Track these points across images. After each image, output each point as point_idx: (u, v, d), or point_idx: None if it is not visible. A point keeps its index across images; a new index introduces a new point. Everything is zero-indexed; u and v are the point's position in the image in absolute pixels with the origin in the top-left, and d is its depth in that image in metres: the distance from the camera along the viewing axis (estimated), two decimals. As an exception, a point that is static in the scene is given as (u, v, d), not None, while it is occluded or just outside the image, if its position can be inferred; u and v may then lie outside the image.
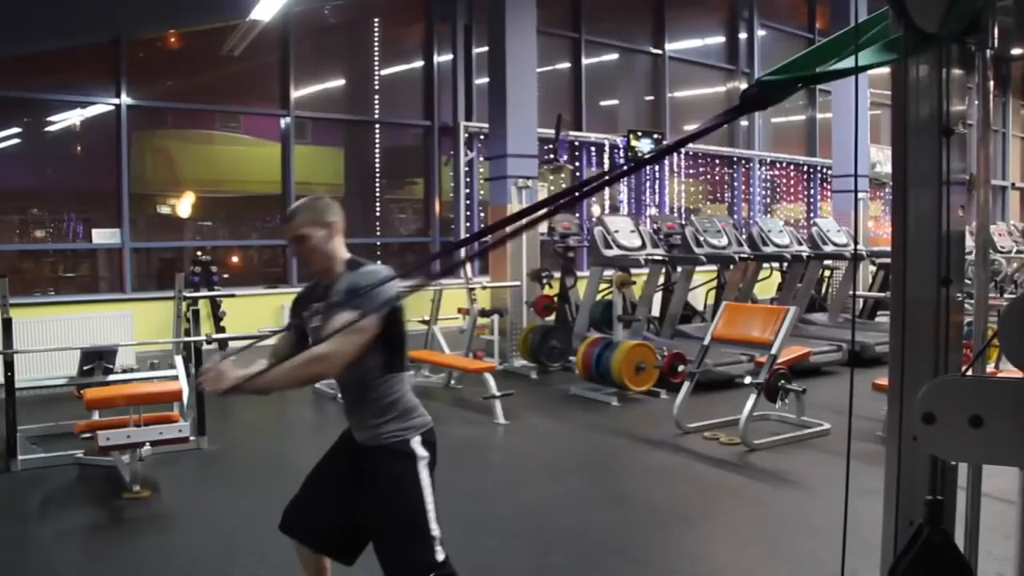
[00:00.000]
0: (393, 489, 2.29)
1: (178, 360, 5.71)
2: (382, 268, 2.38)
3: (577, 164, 10.68)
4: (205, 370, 2.14)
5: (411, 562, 2.25)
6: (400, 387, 2.35)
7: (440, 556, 2.25)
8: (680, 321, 8.74)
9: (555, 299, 8.58)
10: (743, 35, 12.68)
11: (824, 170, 13.16)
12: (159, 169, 8.70)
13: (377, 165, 9.57)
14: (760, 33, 12.78)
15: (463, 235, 9.57)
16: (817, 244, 9.23)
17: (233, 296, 7.47)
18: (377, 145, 9.56)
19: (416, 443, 2.32)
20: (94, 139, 8.17)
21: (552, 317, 8.47)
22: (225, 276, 8.17)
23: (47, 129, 8.05)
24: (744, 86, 12.59)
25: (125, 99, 7.83)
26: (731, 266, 8.78)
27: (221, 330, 7.67)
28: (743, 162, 12.52)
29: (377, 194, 9.59)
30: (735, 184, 12.48)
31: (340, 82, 9.86)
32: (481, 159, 9.57)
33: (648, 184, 11.20)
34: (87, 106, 7.99)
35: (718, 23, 12.70)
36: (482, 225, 9.61)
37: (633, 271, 7.81)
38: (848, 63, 1.40)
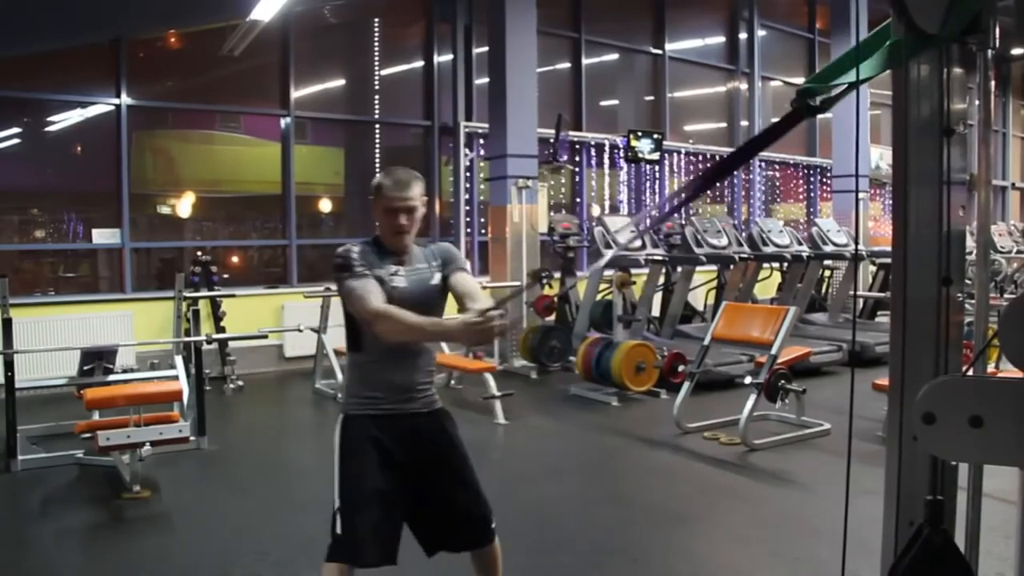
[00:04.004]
0: (462, 448, 2.50)
1: (178, 360, 5.71)
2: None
3: (577, 164, 10.67)
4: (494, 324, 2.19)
5: (482, 520, 2.47)
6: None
7: None
8: (680, 321, 8.74)
9: (555, 299, 8.59)
10: (743, 35, 12.67)
11: (824, 170, 13.16)
12: (159, 169, 8.69)
13: (377, 165, 9.57)
14: (760, 33, 12.77)
15: (463, 235, 9.56)
16: (817, 244, 9.23)
17: (233, 296, 7.46)
18: (377, 145, 9.55)
19: None
20: (94, 139, 8.16)
21: (552, 317, 8.48)
22: (225, 276, 8.16)
23: (47, 129, 8.05)
24: (744, 86, 12.65)
25: (125, 99, 7.82)
26: (731, 266, 8.78)
27: (221, 330, 7.66)
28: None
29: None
30: (735, 184, 12.47)
31: (340, 82, 9.85)
32: (481, 159, 9.57)
33: (648, 184, 11.20)
34: (87, 106, 7.98)
35: (718, 23, 12.69)
36: (481, 225, 9.61)
37: (633, 271, 7.81)
38: (851, 76, 1.42)
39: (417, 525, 2.44)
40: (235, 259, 9.00)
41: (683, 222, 9.13)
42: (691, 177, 11.53)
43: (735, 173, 12.38)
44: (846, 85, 1.53)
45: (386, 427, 2.38)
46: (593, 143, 10.63)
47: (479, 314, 2.14)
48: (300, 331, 6.93)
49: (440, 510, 2.43)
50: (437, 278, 2.47)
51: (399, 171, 2.48)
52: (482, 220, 9.60)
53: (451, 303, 2.48)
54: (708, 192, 12.17)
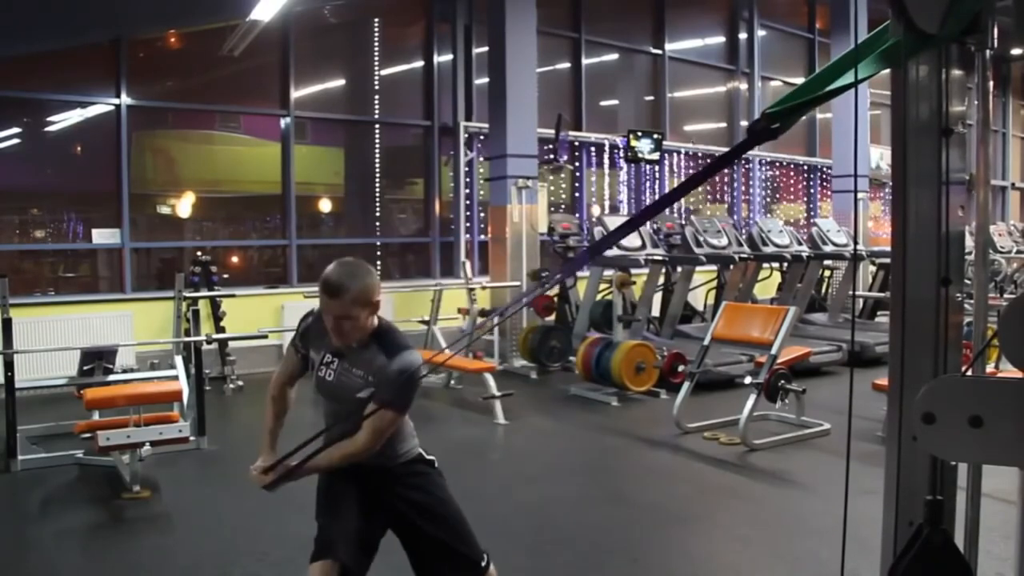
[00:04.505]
0: (438, 495, 2.44)
1: (178, 360, 5.70)
2: (415, 356, 2.33)
3: (577, 164, 10.68)
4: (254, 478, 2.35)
5: (468, 559, 2.41)
6: (407, 421, 2.47)
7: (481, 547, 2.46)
8: (680, 321, 8.74)
9: (555, 299, 8.58)
10: (743, 35, 12.67)
11: (824, 170, 13.16)
12: (159, 169, 8.69)
13: (377, 165, 9.57)
14: (760, 33, 12.78)
15: (463, 235, 9.56)
16: (817, 244, 9.23)
17: (233, 296, 7.46)
18: (377, 145, 9.55)
19: (425, 452, 2.51)
20: (94, 139, 8.16)
21: (552, 317, 8.47)
22: (225, 276, 8.15)
23: (47, 129, 8.04)
24: (744, 86, 12.63)
25: (125, 99, 7.82)
26: (731, 266, 8.78)
27: (221, 330, 7.66)
28: (743, 162, 12.52)
29: (377, 194, 9.59)
30: (735, 184, 12.48)
31: (340, 82, 9.85)
32: (481, 159, 9.57)
33: (648, 184, 11.20)
34: (87, 106, 7.98)
35: (718, 23, 12.70)
36: (481, 225, 9.61)
37: (633, 271, 7.81)
38: (848, 77, 1.41)
39: (413, 564, 2.45)
40: (235, 259, 9.00)
41: (683, 222, 9.14)
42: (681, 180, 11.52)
43: (735, 172, 12.40)
44: (808, 104, 1.51)
45: (355, 474, 2.36)
46: (593, 143, 10.63)
47: (271, 465, 2.32)
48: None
49: (422, 552, 2.42)
50: (364, 394, 2.30)
51: (338, 271, 2.25)
52: (482, 220, 9.60)
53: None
54: (705, 185, 12.18)
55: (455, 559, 2.41)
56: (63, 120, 8.02)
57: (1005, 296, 9.39)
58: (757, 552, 3.64)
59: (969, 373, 1.40)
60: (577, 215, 10.17)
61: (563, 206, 10.43)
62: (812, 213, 13.21)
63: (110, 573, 3.49)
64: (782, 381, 5.39)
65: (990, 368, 4.40)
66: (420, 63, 9.82)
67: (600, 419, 6.18)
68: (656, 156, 10.40)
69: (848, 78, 1.42)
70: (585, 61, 10.78)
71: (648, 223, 9.07)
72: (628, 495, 4.54)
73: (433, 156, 9.78)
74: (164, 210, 8.75)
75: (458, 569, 2.42)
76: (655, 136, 10.37)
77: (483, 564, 2.44)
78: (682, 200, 11.58)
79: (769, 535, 3.84)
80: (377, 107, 9.56)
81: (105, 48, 7.82)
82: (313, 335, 2.43)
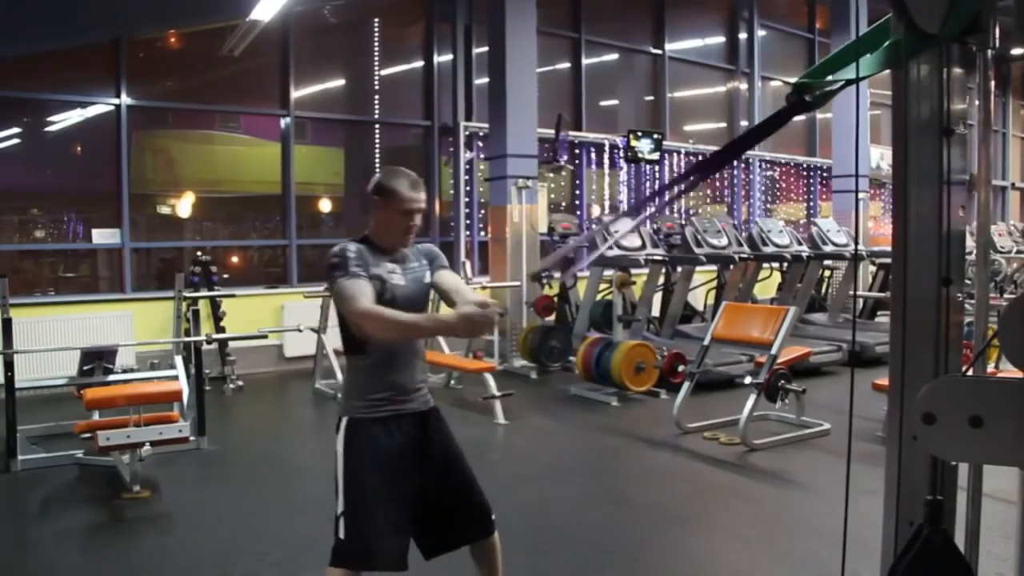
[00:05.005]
0: (456, 447, 2.54)
1: (178, 360, 5.70)
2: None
3: (577, 164, 10.67)
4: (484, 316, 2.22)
5: (483, 510, 2.50)
6: None
7: None
8: (680, 321, 8.74)
9: (555, 299, 8.58)
10: (743, 35, 12.67)
11: (824, 170, 13.16)
12: (159, 169, 8.69)
13: (377, 165, 9.57)
14: (760, 33, 12.77)
15: (463, 236, 9.56)
16: (817, 244, 9.23)
17: (233, 296, 7.46)
18: (377, 145, 9.55)
19: None
20: (94, 139, 8.16)
21: (552, 317, 8.48)
22: (225, 276, 8.15)
23: (47, 129, 8.04)
24: (744, 86, 12.62)
25: (125, 99, 7.82)
26: (731, 266, 8.78)
27: (221, 330, 7.66)
28: (743, 162, 12.51)
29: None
30: (735, 184, 12.47)
31: (340, 82, 9.85)
32: (481, 159, 9.56)
33: (648, 184, 11.19)
34: (87, 106, 7.97)
35: (718, 23, 12.69)
36: (481, 225, 9.61)
37: (633, 271, 7.81)
38: (850, 72, 1.42)
39: (419, 527, 2.42)
40: (235, 259, 9.00)
41: (683, 222, 9.13)
42: (681, 172, 11.50)
43: (735, 172, 12.41)
44: (843, 80, 1.53)
45: (391, 429, 2.39)
46: (593, 143, 10.63)
47: (478, 306, 2.21)
48: (300, 331, 6.93)
49: (444, 505, 2.44)
50: (428, 276, 2.53)
51: (407, 173, 2.47)
52: (482, 220, 9.60)
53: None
54: (705, 185, 12.18)
55: (472, 511, 2.45)
56: (63, 120, 8.02)
57: (1005, 296, 9.38)
58: (757, 552, 3.64)
59: (969, 373, 1.40)
60: (577, 215, 10.16)
61: (563, 206, 10.43)
62: (812, 213, 13.21)
63: (110, 573, 3.49)
64: (782, 381, 5.39)
65: (990, 368, 4.40)
66: (420, 63, 9.82)
67: (600, 419, 6.18)
68: (656, 156, 10.39)
69: (851, 72, 1.43)
70: (585, 61, 10.77)
71: (647, 223, 9.08)
72: (628, 495, 4.54)
73: (433, 156, 9.78)
74: (164, 210, 8.75)
75: (475, 522, 2.46)
76: (655, 136, 10.36)
77: (492, 516, 2.49)
78: (682, 200, 11.59)
79: (769, 535, 3.84)
80: (377, 107, 9.56)
81: (105, 48, 7.82)
82: (368, 257, 2.41)
